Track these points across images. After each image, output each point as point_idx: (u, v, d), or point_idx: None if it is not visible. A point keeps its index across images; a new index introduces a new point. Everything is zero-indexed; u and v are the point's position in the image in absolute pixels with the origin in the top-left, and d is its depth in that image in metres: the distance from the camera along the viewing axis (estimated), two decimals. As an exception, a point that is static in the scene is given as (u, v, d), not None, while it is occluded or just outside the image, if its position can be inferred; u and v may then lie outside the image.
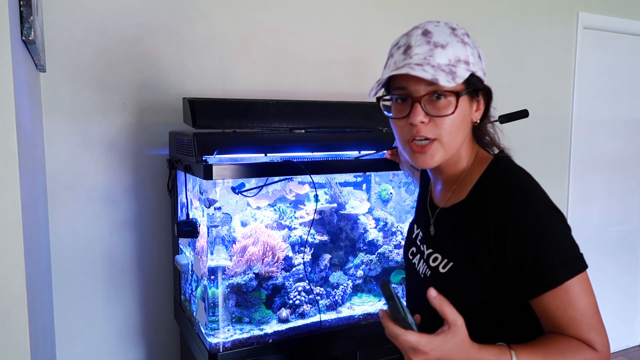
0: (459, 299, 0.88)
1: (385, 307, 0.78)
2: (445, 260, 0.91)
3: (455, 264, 0.89)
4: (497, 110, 0.99)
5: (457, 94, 0.84)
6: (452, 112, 0.84)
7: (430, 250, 0.97)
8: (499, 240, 0.83)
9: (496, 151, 0.97)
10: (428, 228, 0.99)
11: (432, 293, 0.75)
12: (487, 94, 0.91)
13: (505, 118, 1.13)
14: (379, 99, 0.92)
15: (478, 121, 0.92)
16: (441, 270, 0.91)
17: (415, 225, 1.07)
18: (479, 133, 0.96)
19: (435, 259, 0.94)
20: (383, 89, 0.92)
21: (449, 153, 0.89)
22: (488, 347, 0.78)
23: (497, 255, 0.84)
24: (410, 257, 1.05)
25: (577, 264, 0.81)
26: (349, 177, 1.76)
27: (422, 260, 0.99)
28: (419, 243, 1.02)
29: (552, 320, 0.82)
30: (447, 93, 0.84)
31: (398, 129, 0.90)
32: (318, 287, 1.61)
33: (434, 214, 0.98)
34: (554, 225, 0.83)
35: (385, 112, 0.92)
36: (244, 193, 1.48)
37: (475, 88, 0.88)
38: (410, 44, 0.86)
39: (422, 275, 0.97)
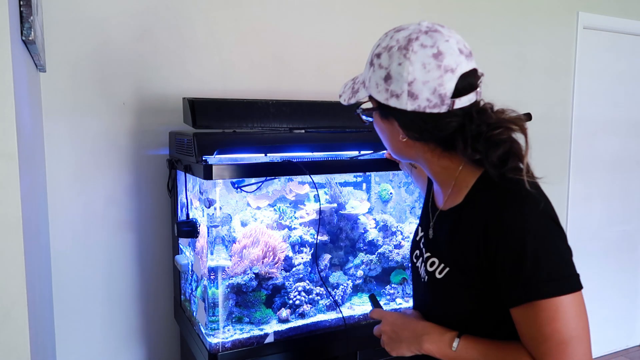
0: (456, 305, 0.89)
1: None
2: (442, 266, 0.90)
3: (450, 270, 0.89)
4: None
5: (371, 109, 0.92)
6: (366, 123, 0.97)
7: (428, 254, 0.96)
8: (486, 243, 0.81)
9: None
10: (428, 230, 0.99)
11: (370, 314, 1.04)
12: (398, 115, 0.86)
13: None
14: None
15: (407, 138, 0.89)
16: (437, 276, 0.91)
17: (420, 228, 1.06)
18: (465, 148, 0.86)
19: (432, 264, 0.93)
20: None
21: (397, 156, 0.97)
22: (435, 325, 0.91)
23: (485, 260, 0.82)
24: (415, 260, 1.04)
25: (561, 284, 0.76)
26: (349, 177, 1.76)
27: (423, 264, 0.99)
28: (421, 246, 1.02)
29: (519, 333, 0.80)
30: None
31: None
32: (318, 287, 1.61)
33: (434, 217, 0.98)
34: (544, 237, 0.78)
35: None
36: (244, 188, 1.48)
37: (378, 108, 0.90)
38: None
39: (422, 279, 0.98)
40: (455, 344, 0.85)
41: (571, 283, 0.77)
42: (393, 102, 0.83)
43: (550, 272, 0.77)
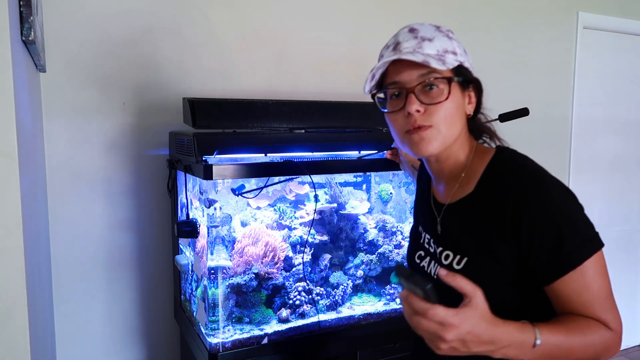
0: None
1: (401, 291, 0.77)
2: (459, 257, 0.90)
3: (469, 259, 0.88)
4: (493, 110, 1.00)
5: (448, 80, 0.87)
6: (446, 98, 0.87)
7: (440, 249, 0.96)
8: (515, 227, 0.82)
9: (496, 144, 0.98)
10: (435, 227, 0.98)
11: (442, 272, 0.73)
12: (478, 87, 0.93)
13: (506, 116, 1.13)
14: (373, 95, 0.94)
15: (471, 114, 0.93)
16: (455, 267, 0.90)
17: (421, 228, 1.05)
18: (476, 129, 0.97)
19: (447, 257, 0.93)
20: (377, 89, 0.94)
21: (447, 141, 0.89)
22: (511, 322, 0.76)
23: (514, 243, 0.83)
24: (418, 261, 1.03)
25: (592, 244, 0.81)
26: (349, 177, 1.77)
27: (433, 261, 0.98)
28: (427, 246, 1.01)
29: (567, 304, 0.82)
30: (438, 81, 0.87)
31: (395, 123, 0.92)
32: (318, 287, 1.61)
33: (440, 212, 0.97)
34: (568, 207, 0.83)
35: (380, 108, 0.94)
36: (244, 195, 1.47)
37: (466, 79, 0.90)
38: (398, 41, 0.90)
39: (435, 277, 0.96)
40: (538, 342, 0.76)
41: (598, 238, 0.83)
42: (475, 74, 0.92)
43: (583, 233, 0.82)
